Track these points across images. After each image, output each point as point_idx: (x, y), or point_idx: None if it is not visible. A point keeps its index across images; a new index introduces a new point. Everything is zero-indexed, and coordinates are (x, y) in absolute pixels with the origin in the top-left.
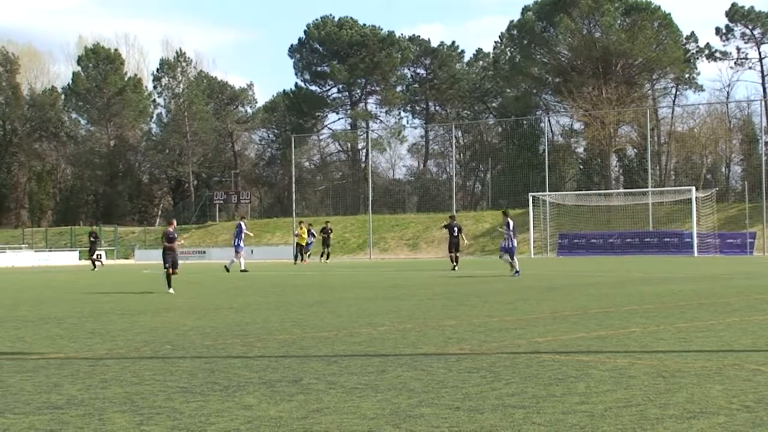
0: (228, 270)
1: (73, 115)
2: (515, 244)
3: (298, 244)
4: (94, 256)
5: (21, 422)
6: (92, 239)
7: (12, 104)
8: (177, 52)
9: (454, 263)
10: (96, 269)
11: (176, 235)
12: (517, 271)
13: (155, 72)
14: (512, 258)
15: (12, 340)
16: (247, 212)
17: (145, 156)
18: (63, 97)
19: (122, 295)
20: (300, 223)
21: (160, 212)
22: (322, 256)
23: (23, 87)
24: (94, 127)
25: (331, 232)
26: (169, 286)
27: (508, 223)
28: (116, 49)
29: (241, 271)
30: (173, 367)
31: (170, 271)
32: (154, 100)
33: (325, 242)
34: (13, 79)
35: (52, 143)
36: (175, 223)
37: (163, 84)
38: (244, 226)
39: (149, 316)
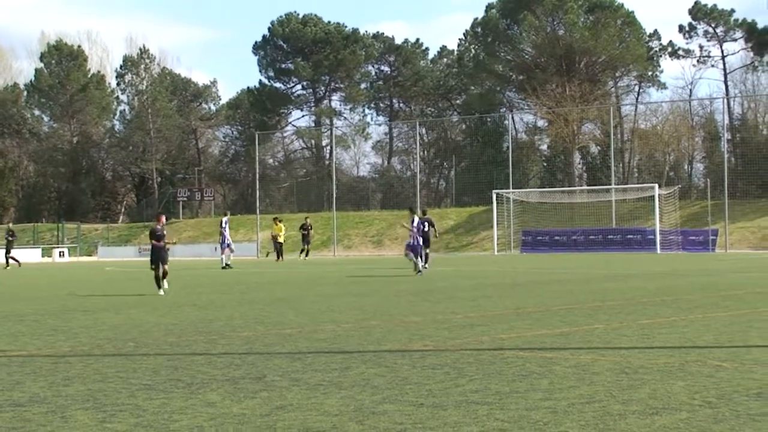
0: (229, 267)
1: (36, 112)
2: (420, 242)
3: (277, 242)
4: (11, 255)
5: None
6: (9, 237)
7: None
8: (140, 49)
9: (424, 261)
10: (9, 267)
11: (165, 232)
12: (419, 271)
13: (118, 69)
14: (416, 257)
15: None
16: (210, 209)
17: (109, 153)
18: (25, 93)
19: (85, 293)
20: (276, 219)
21: (123, 209)
22: (301, 253)
23: None
24: (56, 123)
25: (311, 228)
26: (159, 286)
27: (413, 220)
28: (79, 46)
29: (222, 267)
30: (136, 365)
31: (157, 270)
32: (118, 97)
33: (305, 239)
34: None
35: (14, 140)
36: (163, 219)
37: (126, 81)
38: (224, 222)
39: (112, 313)
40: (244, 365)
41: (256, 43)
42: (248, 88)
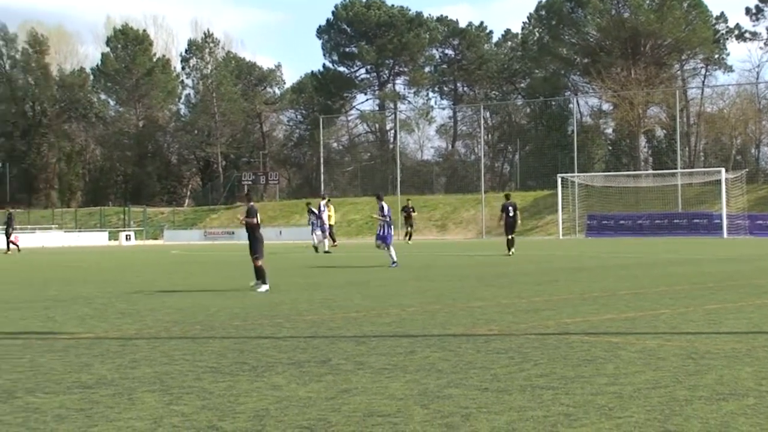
0: (326, 252)
1: (102, 96)
2: (391, 231)
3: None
4: (12, 238)
5: (52, 401)
6: (8, 222)
7: (41, 85)
8: (205, 33)
9: (510, 246)
10: (10, 252)
11: (253, 213)
12: (394, 262)
13: (183, 53)
14: (388, 247)
15: (42, 320)
16: (275, 193)
17: (174, 137)
18: (92, 77)
19: (151, 276)
20: (327, 201)
21: (188, 193)
22: (406, 236)
23: (52, 68)
24: (122, 107)
25: (413, 210)
26: (257, 277)
27: (382, 208)
28: (144, 30)
29: (324, 251)
30: (202, 347)
31: (255, 261)
32: (183, 81)
33: (407, 222)
34: (42, 60)
35: (81, 124)
36: (250, 196)
37: (191, 65)
38: (322, 206)
39: (178, 296)
40: (309, 349)
41: (320, 26)
42: (312, 72)
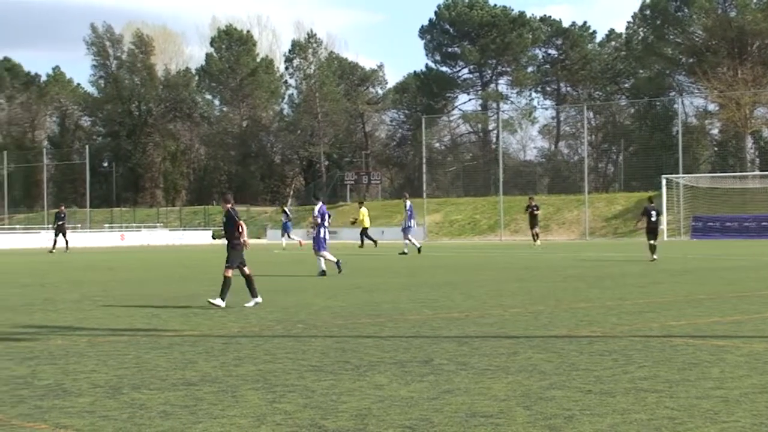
0: (406, 253)
1: (207, 96)
2: (322, 234)
3: (362, 228)
4: (58, 237)
5: (157, 398)
6: (62, 217)
7: (147, 85)
8: (308, 34)
9: (653, 253)
10: (55, 251)
11: (235, 221)
12: (323, 271)
13: (287, 53)
14: (318, 252)
15: (147, 317)
16: (377, 193)
17: (277, 136)
18: (196, 77)
19: (254, 275)
20: (360, 204)
21: (292, 192)
22: (534, 237)
23: (158, 68)
24: (226, 107)
25: (538, 209)
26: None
27: (320, 209)
28: (248, 31)
29: (399, 253)
30: (305, 346)
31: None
32: (286, 81)
33: (533, 220)
34: (147, 61)
35: (185, 123)
36: (227, 201)
37: (294, 65)
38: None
39: (281, 295)
40: (411, 348)
41: (422, 27)
42: (415, 72)
